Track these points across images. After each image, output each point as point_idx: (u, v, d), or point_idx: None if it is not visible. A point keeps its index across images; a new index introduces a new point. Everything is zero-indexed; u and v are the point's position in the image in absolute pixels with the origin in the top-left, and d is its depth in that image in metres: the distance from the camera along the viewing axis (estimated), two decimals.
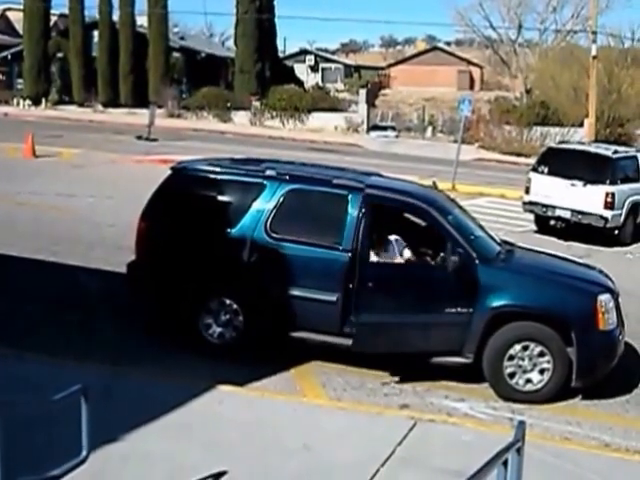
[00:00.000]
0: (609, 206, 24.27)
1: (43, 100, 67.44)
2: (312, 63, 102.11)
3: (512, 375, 11.88)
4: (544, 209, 25.35)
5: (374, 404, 11.28)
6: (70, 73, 68.59)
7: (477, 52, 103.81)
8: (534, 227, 26.21)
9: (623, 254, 23.69)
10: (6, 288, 15.11)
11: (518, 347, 11.82)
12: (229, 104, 64.97)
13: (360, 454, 9.37)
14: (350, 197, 12.36)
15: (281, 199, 12.59)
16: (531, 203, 25.84)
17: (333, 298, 12.05)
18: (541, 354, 11.81)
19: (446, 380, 12.36)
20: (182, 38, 78.00)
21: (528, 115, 55.95)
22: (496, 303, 11.92)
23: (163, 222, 13.16)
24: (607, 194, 24.28)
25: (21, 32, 71.10)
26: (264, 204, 12.59)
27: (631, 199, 25.04)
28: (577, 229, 24.94)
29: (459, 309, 11.95)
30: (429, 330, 12.08)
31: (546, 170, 25.65)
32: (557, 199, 24.94)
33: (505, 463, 6.51)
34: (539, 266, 13.42)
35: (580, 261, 15.01)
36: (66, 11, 69.76)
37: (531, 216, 26.41)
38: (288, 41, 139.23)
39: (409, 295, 12.20)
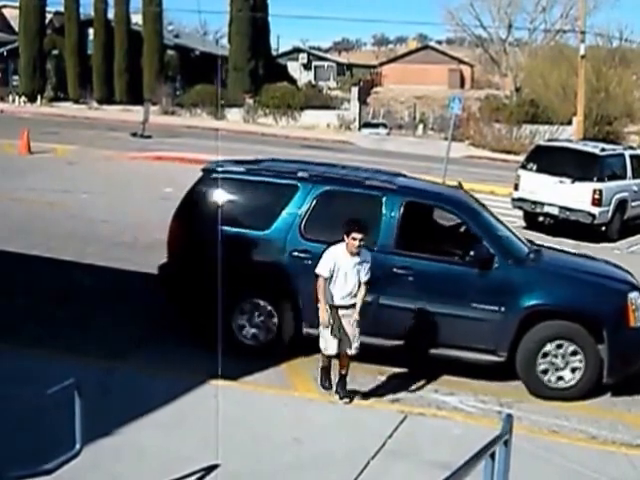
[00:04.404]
0: (596, 203, 24.56)
1: (38, 97, 67.14)
2: (305, 61, 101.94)
3: (545, 372, 12.03)
4: (533, 206, 25.61)
5: (364, 398, 11.30)
6: (65, 70, 68.36)
7: (468, 51, 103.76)
8: (523, 223, 26.38)
9: (610, 250, 23.75)
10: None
11: (552, 345, 11.96)
12: (222, 101, 65.08)
13: (350, 447, 9.46)
14: (384, 198, 12.45)
15: (314, 201, 12.59)
16: (520, 200, 26.12)
17: (368, 299, 11.94)
18: (574, 353, 11.95)
19: (436, 374, 12.50)
20: (177, 36, 78.00)
21: (518, 113, 56.19)
22: (530, 302, 12.04)
23: (196, 223, 13.05)
24: (595, 191, 24.63)
25: (17, 29, 70.73)
26: (298, 206, 12.58)
27: (618, 196, 25.40)
28: (565, 225, 25.17)
29: (492, 308, 12.06)
30: (462, 328, 12.17)
31: (535, 167, 26.01)
32: (545, 196, 25.23)
33: (493, 456, 6.72)
34: (568, 265, 13.49)
35: (605, 259, 15.05)
36: (61, 9, 69.52)
37: (520, 212, 26.65)
38: (281, 39, 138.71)
39: (442, 294, 12.25)
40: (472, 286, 12.28)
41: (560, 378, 12.05)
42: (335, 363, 11.22)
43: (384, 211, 12.40)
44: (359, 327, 10.87)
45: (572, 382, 12.05)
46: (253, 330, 12.66)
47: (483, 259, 12.17)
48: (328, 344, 10.87)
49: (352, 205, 12.74)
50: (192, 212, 13.19)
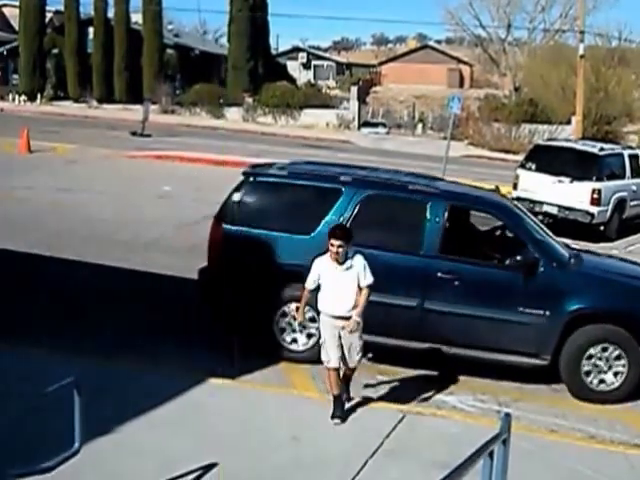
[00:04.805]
0: (595, 202, 24.57)
1: (38, 96, 67.24)
2: (304, 60, 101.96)
3: (588, 373, 12.02)
4: (531, 205, 25.45)
5: (363, 397, 11.15)
6: (65, 69, 68.52)
7: (467, 50, 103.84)
8: None
9: (609, 249, 23.33)
10: None
11: (597, 348, 11.94)
12: (222, 100, 65.19)
13: (349, 446, 9.48)
14: (428, 203, 12.41)
15: (358, 205, 12.49)
16: (519, 199, 25.91)
17: (413, 303, 12.20)
18: (618, 357, 11.94)
19: (434, 373, 12.56)
20: (176, 35, 78.09)
21: (517, 113, 56.28)
22: (575, 306, 12.04)
23: (238, 227, 12.89)
24: (593, 190, 24.61)
25: (17, 28, 70.85)
26: (341, 210, 12.48)
27: (617, 195, 25.38)
28: (564, 225, 24.83)
29: (537, 312, 12.05)
30: (506, 332, 12.17)
31: (534, 167, 26.04)
32: (544, 195, 25.21)
33: (491, 455, 6.72)
34: (609, 269, 13.51)
35: (633, 260, 15.05)
36: (61, 8, 69.74)
37: None
38: (281, 39, 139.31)
39: (487, 298, 12.27)
40: (517, 290, 12.26)
41: (602, 381, 12.08)
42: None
43: (428, 216, 12.35)
44: (360, 339, 10.32)
45: (614, 385, 12.06)
46: (294, 335, 12.59)
47: (529, 263, 12.18)
48: (330, 355, 10.29)
49: (395, 209, 12.81)
50: (233, 216, 13.00)
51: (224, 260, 12.97)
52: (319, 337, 11.74)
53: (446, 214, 12.41)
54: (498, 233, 13.31)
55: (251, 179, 13.23)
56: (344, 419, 10.20)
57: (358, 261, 10.20)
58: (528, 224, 13.11)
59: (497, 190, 14.99)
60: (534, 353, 12.21)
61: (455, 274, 12.24)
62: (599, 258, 14.58)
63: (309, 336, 12.48)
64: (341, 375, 10.50)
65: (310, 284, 10.40)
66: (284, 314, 12.54)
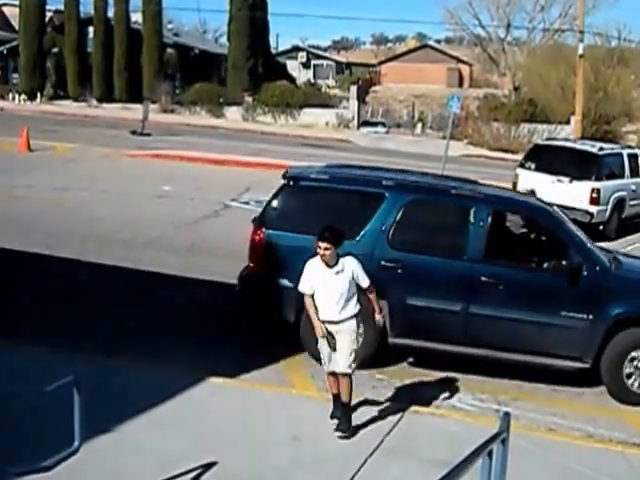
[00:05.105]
0: (594, 202, 24.59)
1: (38, 95, 67.34)
2: (304, 60, 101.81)
3: (629, 376, 12.07)
4: None
5: (362, 396, 11.06)
6: (65, 68, 68.47)
7: (466, 50, 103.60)
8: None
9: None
10: None
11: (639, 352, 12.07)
12: (221, 99, 65.24)
13: (348, 445, 9.51)
14: (472, 207, 12.45)
15: (402, 209, 12.51)
16: None
17: (457, 308, 12.26)
18: None
19: (434, 373, 12.59)
20: (176, 34, 78.04)
21: (516, 112, 56.32)
22: (618, 310, 12.10)
23: (280, 232, 12.77)
24: (593, 190, 24.63)
25: (17, 27, 70.82)
26: (385, 214, 12.49)
27: (616, 195, 25.41)
28: None
29: (580, 316, 12.12)
30: (550, 336, 12.24)
31: (533, 166, 26.06)
32: (543, 195, 24.99)
33: (490, 454, 6.77)
34: None
35: None
36: (61, 7, 69.73)
37: None
38: (280, 38, 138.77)
39: (532, 302, 12.29)
40: (560, 294, 12.32)
41: None
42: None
43: (472, 220, 12.39)
44: (353, 344, 9.85)
45: None
46: None
47: (573, 268, 12.24)
48: (325, 360, 9.99)
49: (439, 214, 12.89)
50: (275, 220, 12.93)
51: (265, 263, 12.90)
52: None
53: (490, 219, 12.44)
54: (534, 237, 13.34)
55: (293, 183, 13.15)
56: (347, 431, 9.88)
57: (351, 264, 9.86)
58: (570, 229, 13.18)
59: (533, 194, 15.02)
60: (577, 356, 12.29)
61: (499, 278, 12.29)
62: (636, 260, 14.65)
63: None
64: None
65: (306, 289, 9.89)
66: None
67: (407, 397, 11.58)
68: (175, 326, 13.80)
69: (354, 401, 10.31)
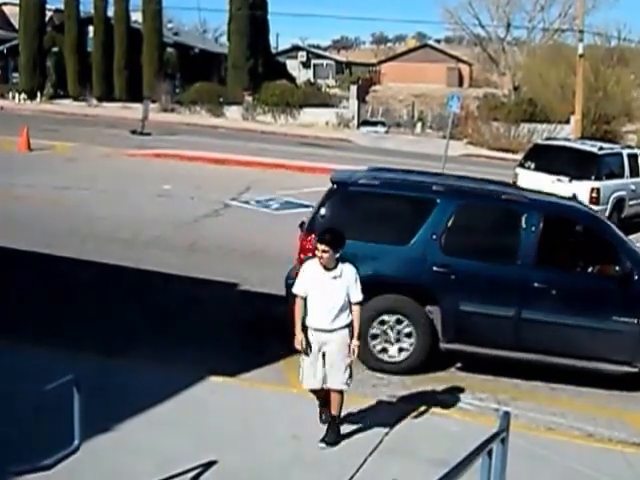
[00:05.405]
0: (594, 201, 24.48)
1: (38, 94, 67.22)
2: (304, 59, 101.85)
3: None
4: None
5: (362, 395, 11.14)
6: (65, 67, 68.32)
7: (466, 50, 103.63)
8: None
9: None
10: None
11: None
12: (221, 99, 65.25)
13: (348, 444, 9.47)
14: (523, 212, 12.50)
15: (453, 215, 12.52)
16: None
17: (510, 313, 12.27)
18: None
19: (434, 372, 12.61)
20: (176, 34, 77.96)
21: (516, 112, 56.35)
22: None
23: None
24: (592, 189, 24.57)
25: (17, 27, 70.75)
26: (437, 220, 12.48)
27: (616, 194, 25.38)
28: None
29: (630, 320, 12.16)
30: (601, 341, 12.25)
31: (533, 166, 26.01)
32: None
33: (490, 453, 6.77)
34: None
35: None
36: (61, 6, 69.67)
37: None
38: (280, 37, 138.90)
39: (584, 307, 12.34)
40: (611, 299, 12.36)
41: None
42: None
43: (524, 225, 12.43)
44: (347, 359, 9.32)
45: None
46: (390, 346, 12.51)
47: (625, 273, 12.29)
48: (304, 376, 9.47)
49: (490, 219, 12.98)
50: (324, 225, 12.41)
51: None
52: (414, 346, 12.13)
53: (541, 224, 12.44)
54: (584, 242, 13.30)
55: (342, 189, 13.11)
56: (333, 443, 9.45)
57: (349, 272, 9.32)
58: (619, 234, 13.22)
59: (575, 198, 15.09)
60: (627, 361, 12.32)
61: (551, 284, 12.34)
62: None
63: (400, 350, 12.50)
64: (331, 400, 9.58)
65: (300, 290, 9.39)
66: (380, 324, 12.43)
67: (407, 396, 11.60)
68: (175, 325, 13.81)
69: (354, 401, 10.32)
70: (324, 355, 9.27)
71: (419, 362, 12.45)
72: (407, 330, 12.41)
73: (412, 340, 12.40)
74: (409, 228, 12.54)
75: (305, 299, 9.34)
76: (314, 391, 9.45)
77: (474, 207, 12.90)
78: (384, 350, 12.46)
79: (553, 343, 12.33)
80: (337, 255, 9.24)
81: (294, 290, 9.50)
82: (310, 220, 12.95)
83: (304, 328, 9.32)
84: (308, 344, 9.29)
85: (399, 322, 12.41)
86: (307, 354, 9.32)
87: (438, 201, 12.62)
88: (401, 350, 12.46)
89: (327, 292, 9.20)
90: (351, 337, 9.31)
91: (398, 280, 12.47)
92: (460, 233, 12.55)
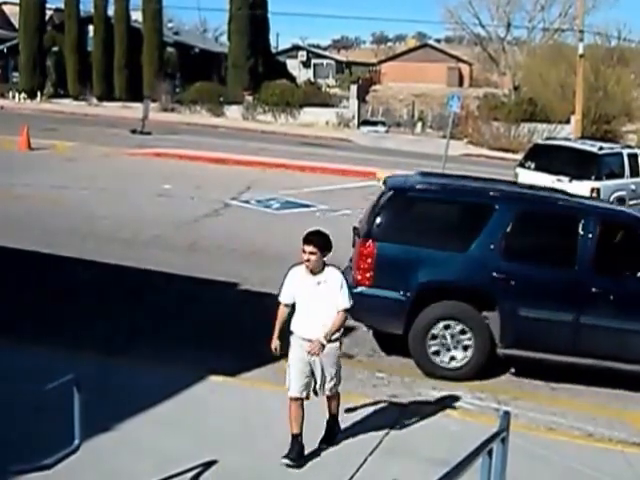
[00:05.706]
0: None
1: (38, 93, 67.26)
2: (304, 59, 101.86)
3: None
4: None
5: (363, 395, 11.12)
6: (65, 67, 68.41)
7: (466, 49, 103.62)
8: None
9: None
10: None
11: None
12: (221, 98, 65.28)
13: (348, 444, 9.43)
14: (581, 218, 12.53)
15: (512, 221, 12.55)
16: None
17: (568, 318, 12.30)
18: None
19: None
20: (176, 33, 78.01)
21: (516, 112, 56.36)
22: None
23: (390, 244, 12.64)
24: (592, 189, 24.53)
25: (17, 26, 70.86)
26: (496, 226, 12.51)
27: (616, 194, 25.35)
28: None
29: None
30: None
31: (533, 166, 26.05)
32: None
33: (490, 453, 6.78)
34: None
35: None
36: (61, 5, 69.80)
37: None
38: (281, 37, 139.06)
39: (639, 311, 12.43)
40: None
41: None
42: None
43: (581, 231, 12.45)
44: (334, 366, 9.02)
45: None
46: (449, 352, 12.52)
47: None
48: (291, 383, 8.99)
49: (548, 225, 12.99)
50: (383, 232, 12.69)
51: (373, 275, 12.63)
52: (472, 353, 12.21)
53: (598, 229, 12.49)
54: (636, 247, 13.21)
55: (399, 195, 13.14)
56: (298, 464, 8.86)
57: (335, 278, 8.83)
58: None
59: (623, 202, 15.19)
60: None
61: (609, 289, 12.36)
62: None
63: (452, 358, 12.54)
64: (326, 411, 9.39)
65: (285, 297, 9.02)
66: (441, 329, 12.45)
67: (407, 395, 11.59)
68: (175, 325, 13.79)
69: (354, 401, 10.36)
70: (313, 363, 8.89)
71: (479, 365, 12.45)
72: (466, 336, 12.42)
73: (471, 343, 12.43)
74: (467, 234, 12.60)
75: (289, 305, 9.04)
76: (297, 399, 8.96)
77: (532, 213, 12.96)
78: (452, 359, 12.50)
79: (610, 348, 12.35)
80: (324, 258, 8.81)
81: (280, 298, 9.08)
82: (368, 226, 12.84)
83: (290, 333, 9.03)
84: (295, 351, 8.98)
85: (463, 332, 12.41)
86: (280, 357, 9.16)
87: (497, 207, 12.69)
88: (454, 358, 12.48)
89: (312, 299, 8.81)
90: (340, 347, 9.10)
91: (457, 286, 12.52)
92: (518, 239, 12.60)
